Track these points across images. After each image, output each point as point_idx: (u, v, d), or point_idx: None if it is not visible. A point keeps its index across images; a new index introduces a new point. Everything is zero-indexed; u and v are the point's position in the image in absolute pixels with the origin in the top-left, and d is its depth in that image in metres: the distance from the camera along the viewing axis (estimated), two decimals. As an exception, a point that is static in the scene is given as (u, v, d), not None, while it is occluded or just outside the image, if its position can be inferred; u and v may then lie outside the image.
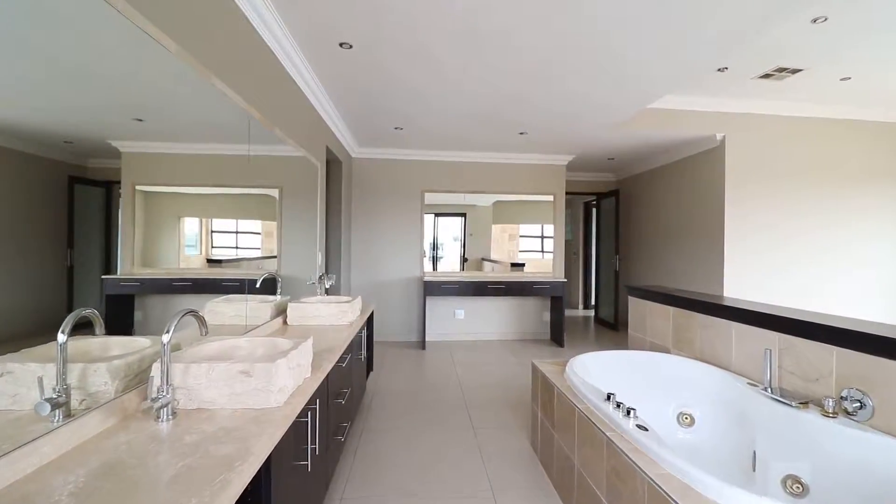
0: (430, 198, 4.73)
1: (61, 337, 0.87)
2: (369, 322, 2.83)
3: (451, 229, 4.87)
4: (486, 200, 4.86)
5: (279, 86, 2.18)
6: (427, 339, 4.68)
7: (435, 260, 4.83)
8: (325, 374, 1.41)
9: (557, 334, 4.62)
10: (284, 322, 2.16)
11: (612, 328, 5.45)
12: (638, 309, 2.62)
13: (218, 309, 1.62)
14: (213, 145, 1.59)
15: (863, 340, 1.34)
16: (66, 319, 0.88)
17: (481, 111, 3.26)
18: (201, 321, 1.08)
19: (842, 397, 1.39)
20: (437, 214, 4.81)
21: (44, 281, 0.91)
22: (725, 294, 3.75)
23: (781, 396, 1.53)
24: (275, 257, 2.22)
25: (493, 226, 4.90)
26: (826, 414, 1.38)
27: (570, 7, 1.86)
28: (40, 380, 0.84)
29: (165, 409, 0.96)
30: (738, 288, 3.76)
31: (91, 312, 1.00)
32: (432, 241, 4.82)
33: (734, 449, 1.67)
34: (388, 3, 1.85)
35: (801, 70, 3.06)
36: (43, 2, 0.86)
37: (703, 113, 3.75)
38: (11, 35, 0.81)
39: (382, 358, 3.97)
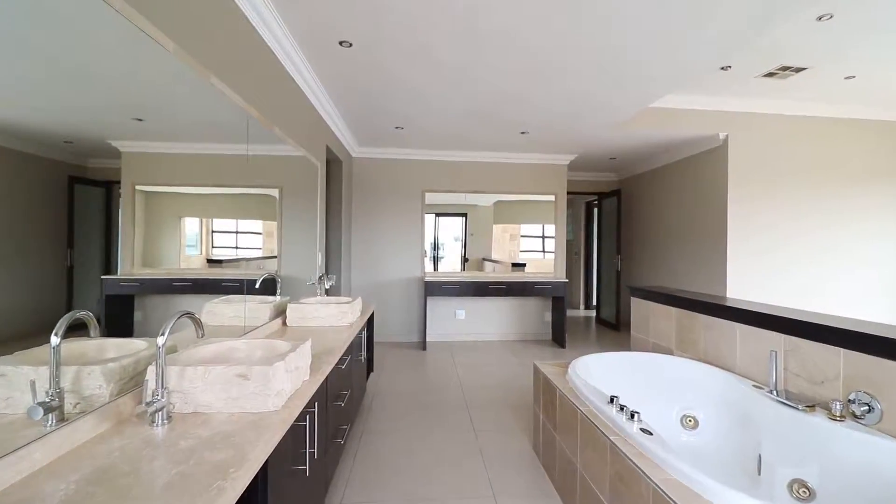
0: (430, 197, 4.71)
1: (54, 339, 0.85)
2: (370, 323, 2.81)
3: (451, 229, 4.85)
4: (487, 200, 4.84)
5: (278, 85, 2.17)
6: (428, 339, 4.66)
7: (436, 260, 4.81)
8: (324, 377, 1.39)
9: (559, 335, 4.59)
10: (284, 323, 2.14)
11: (613, 329, 5.42)
12: (640, 310, 2.60)
13: (216, 310, 1.60)
14: (213, 145, 1.59)
15: (870, 342, 1.32)
16: (60, 322, 0.87)
17: (482, 110, 3.24)
18: (197, 323, 1.06)
19: (849, 400, 1.37)
20: (437, 214, 4.79)
21: (44, 281, 0.90)
22: (728, 294, 3.72)
23: (787, 399, 1.51)
24: (275, 257, 2.21)
25: (494, 226, 4.88)
26: (833, 417, 1.36)
27: (571, 6, 1.84)
28: (32, 383, 0.82)
29: (160, 413, 0.94)
30: (740, 288, 3.73)
31: (85, 314, 0.99)
32: (433, 241, 4.80)
33: (739, 452, 1.65)
34: (389, 1, 1.83)
35: (804, 69, 3.04)
36: (43, 2, 0.86)
37: (705, 112, 3.72)
38: (11, 35, 0.81)
39: (383, 359, 3.95)
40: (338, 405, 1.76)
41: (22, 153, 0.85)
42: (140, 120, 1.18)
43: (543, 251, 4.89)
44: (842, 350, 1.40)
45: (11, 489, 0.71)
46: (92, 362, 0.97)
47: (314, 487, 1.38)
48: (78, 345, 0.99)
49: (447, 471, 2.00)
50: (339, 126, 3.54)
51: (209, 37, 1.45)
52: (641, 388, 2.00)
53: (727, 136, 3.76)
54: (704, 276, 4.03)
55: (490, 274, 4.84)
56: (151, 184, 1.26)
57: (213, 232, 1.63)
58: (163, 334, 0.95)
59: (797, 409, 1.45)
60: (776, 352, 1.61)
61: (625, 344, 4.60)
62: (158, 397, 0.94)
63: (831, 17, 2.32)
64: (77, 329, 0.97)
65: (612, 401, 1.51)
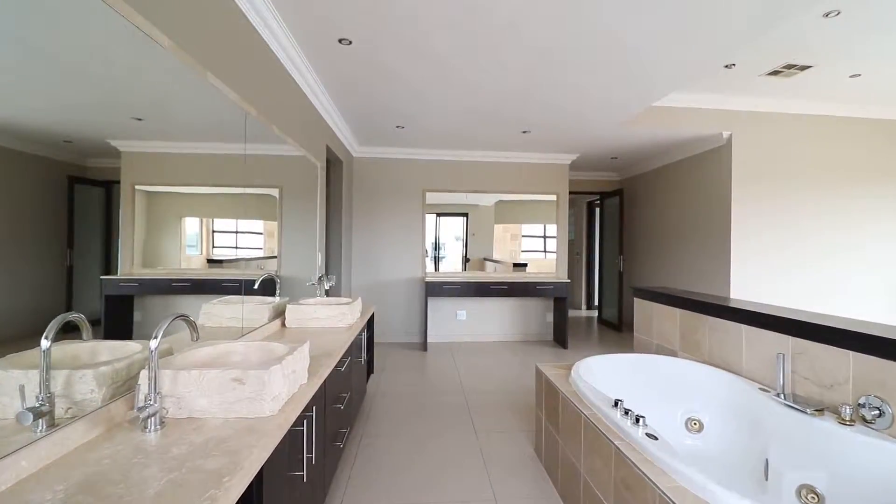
0: (431, 197, 4.68)
1: (44, 343, 0.83)
2: (370, 324, 2.79)
3: (452, 229, 4.83)
4: (488, 200, 4.81)
5: (277, 82, 2.14)
6: (429, 340, 4.64)
7: (436, 260, 4.78)
8: (322, 380, 1.37)
9: (561, 336, 4.56)
10: (283, 324, 2.12)
11: (615, 329, 5.39)
12: (644, 311, 2.57)
13: (214, 311, 1.58)
14: (213, 144, 1.58)
15: (881, 345, 1.29)
16: (50, 324, 0.85)
17: (484, 108, 3.21)
18: (192, 326, 1.03)
19: (859, 404, 1.33)
20: (438, 214, 4.76)
21: (43, 281, 0.89)
22: (732, 295, 3.68)
23: (795, 403, 1.47)
24: (275, 258, 2.19)
25: (496, 225, 4.85)
26: (843, 422, 1.33)
27: (575, 1, 1.81)
28: (22, 388, 0.80)
29: (153, 418, 0.91)
30: (744, 289, 3.70)
31: (77, 317, 0.96)
32: (434, 241, 4.77)
33: (745, 456, 1.62)
34: (389, -3, 1.80)
35: (809, 67, 3.00)
36: (43, 2, 0.85)
37: (709, 111, 3.69)
38: (11, 35, 0.80)
39: (383, 360, 3.93)
40: (337, 408, 1.73)
41: (22, 153, 0.85)
42: (139, 119, 1.18)
43: (545, 251, 4.86)
44: (851, 353, 1.37)
45: (-3, 498, 0.69)
46: (84, 366, 0.95)
47: (312, 493, 1.35)
48: (71, 347, 0.96)
49: (448, 474, 1.98)
50: (339, 125, 3.51)
51: (205, 33, 1.43)
52: (645, 390, 1.97)
53: (731, 134, 3.72)
54: (708, 276, 4.00)
55: (491, 274, 4.81)
56: (151, 183, 1.25)
57: (213, 232, 1.61)
58: (155, 337, 0.92)
59: (805, 412, 1.42)
60: (784, 354, 1.58)
61: (627, 345, 4.57)
62: (151, 402, 0.92)
63: (838, 13, 2.29)
64: (74, 331, 0.95)
65: (616, 404, 1.48)
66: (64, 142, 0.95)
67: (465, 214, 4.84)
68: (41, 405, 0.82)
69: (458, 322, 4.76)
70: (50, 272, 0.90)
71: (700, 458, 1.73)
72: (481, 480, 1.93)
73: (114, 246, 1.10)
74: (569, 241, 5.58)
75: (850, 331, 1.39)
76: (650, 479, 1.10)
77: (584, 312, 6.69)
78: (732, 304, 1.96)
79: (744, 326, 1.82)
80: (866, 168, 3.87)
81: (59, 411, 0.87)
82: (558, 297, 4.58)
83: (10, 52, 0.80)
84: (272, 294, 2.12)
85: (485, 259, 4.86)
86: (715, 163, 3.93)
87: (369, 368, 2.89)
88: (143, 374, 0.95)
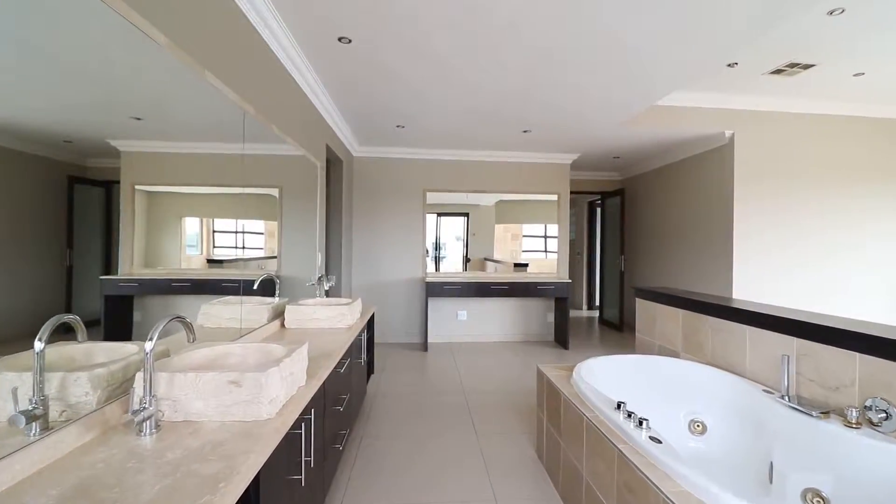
0: (432, 197, 4.67)
1: (38, 345, 0.82)
2: (370, 324, 2.77)
3: (453, 229, 4.81)
4: (488, 200, 4.79)
5: (276, 81, 2.13)
6: (429, 340, 4.62)
7: (437, 260, 4.77)
8: (321, 382, 1.36)
9: (562, 336, 4.54)
10: (282, 325, 2.10)
11: (616, 329, 5.37)
12: (646, 311, 2.55)
13: (213, 311, 1.57)
14: (213, 144, 1.57)
15: (888, 346, 1.27)
16: (44, 326, 0.83)
17: (484, 108, 3.20)
18: (188, 327, 1.02)
19: (866, 407, 1.31)
20: (439, 214, 4.75)
21: (43, 281, 0.89)
22: (734, 295, 3.66)
23: (800, 405, 1.46)
24: (275, 257, 2.18)
25: (496, 225, 4.84)
26: (849, 424, 1.31)
27: (575, 1, 1.80)
28: (14, 391, 0.78)
29: (148, 422, 0.90)
30: (746, 288, 3.67)
31: (72, 318, 0.95)
32: (434, 242, 4.76)
33: (749, 459, 1.60)
34: (388, -5, 1.79)
35: (812, 65, 2.98)
36: (43, 2, 0.85)
37: (711, 110, 3.66)
38: (11, 35, 0.80)
39: (384, 360, 3.91)
40: (336, 410, 1.72)
41: (22, 153, 0.85)
42: (139, 119, 1.17)
43: (546, 251, 4.84)
44: (857, 354, 1.35)
45: (-12, 504, 0.67)
46: (79, 368, 0.94)
47: (310, 496, 1.34)
48: (66, 349, 0.95)
49: (448, 476, 1.96)
50: (339, 125, 3.50)
51: (203, 32, 1.41)
52: (647, 391, 1.95)
53: (733, 134, 3.70)
54: (709, 276, 3.98)
55: (492, 274, 4.79)
56: (151, 183, 1.25)
57: (213, 232, 1.60)
58: (150, 339, 0.91)
59: (811, 415, 1.40)
60: (788, 356, 1.56)
61: (628, 345, 4.55)
62: (146, 405, 0.90)
63: (843, 11, 2.27)
64: (72, 332, 0.95)
65: (619, 407, 1.47)
66: (64, 142, 0.95)
67: (466, 214, 4.83)
68: (35, 408, 0.80)
69: (458, 322, 4.74)
70: (50, 272, 0.90)
71: (703, 460, 1.71)
72: (482, 481, 1.91)
73: (114, 246, 1.10)
74: (570, 241, 5.56)
75: (855, 332, 1.37)
76: (654, 484, 1.08)
77: (585, 313, 6.67)
78: (735, 305, 1.94)
79: (747, 327, 1.81)
80: (868, 167, 3.85)
81: (54, 414, 0.85)
82: (559, 298, 4.56)
83: (9, 52, 0.80)
84: (272, 294, 2.10)
85: (485, 259, 4.84)
86: (717, 162, 3.91)
87: (369, 369, 2.87)
88: (139, 376, 0.94)
